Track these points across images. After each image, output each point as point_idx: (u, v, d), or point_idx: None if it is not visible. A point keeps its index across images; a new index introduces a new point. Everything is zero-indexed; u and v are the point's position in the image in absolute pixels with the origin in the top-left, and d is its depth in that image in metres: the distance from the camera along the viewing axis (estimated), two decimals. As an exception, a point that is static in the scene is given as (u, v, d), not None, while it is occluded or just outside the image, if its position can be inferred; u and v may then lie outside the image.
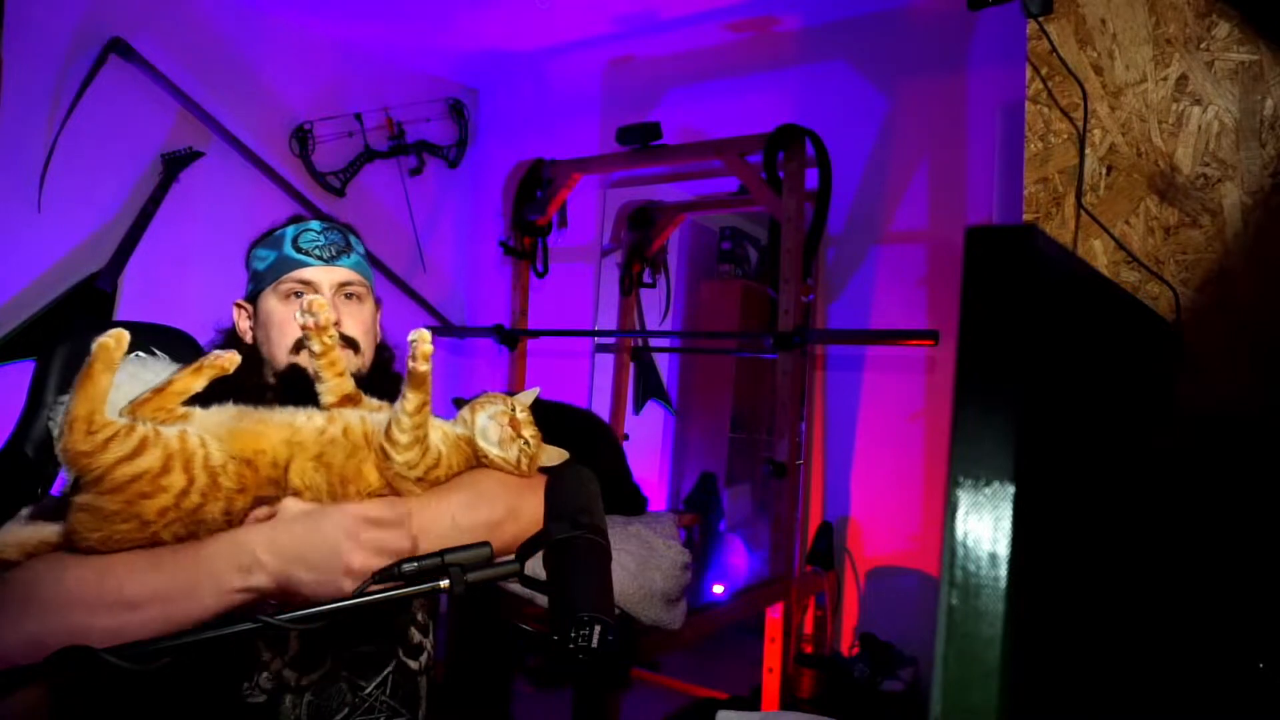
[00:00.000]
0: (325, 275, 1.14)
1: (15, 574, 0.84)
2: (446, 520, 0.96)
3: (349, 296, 1.17)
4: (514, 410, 1.03)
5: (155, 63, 2.65)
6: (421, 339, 0.93)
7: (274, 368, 1.14)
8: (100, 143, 2.58)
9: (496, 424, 1.01)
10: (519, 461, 1.01)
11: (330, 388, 0.99)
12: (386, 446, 0.93)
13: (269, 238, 1.19)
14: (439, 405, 1.26)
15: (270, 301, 1.15)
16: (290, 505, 0.89)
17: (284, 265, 1.14)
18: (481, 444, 1.01)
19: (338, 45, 3.23)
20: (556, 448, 1.06)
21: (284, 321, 1.13)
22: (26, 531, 0.85)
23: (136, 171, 2.67)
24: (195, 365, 0.90)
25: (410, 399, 0.93)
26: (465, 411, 1.04)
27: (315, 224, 1.19)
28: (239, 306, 1.22)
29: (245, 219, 2.88)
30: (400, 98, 3.36)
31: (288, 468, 0.90)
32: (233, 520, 0.87)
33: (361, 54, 3.31)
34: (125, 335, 0.84)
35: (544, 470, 1.05)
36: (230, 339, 1.22)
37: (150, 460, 0.81)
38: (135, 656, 0.64)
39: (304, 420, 0.94)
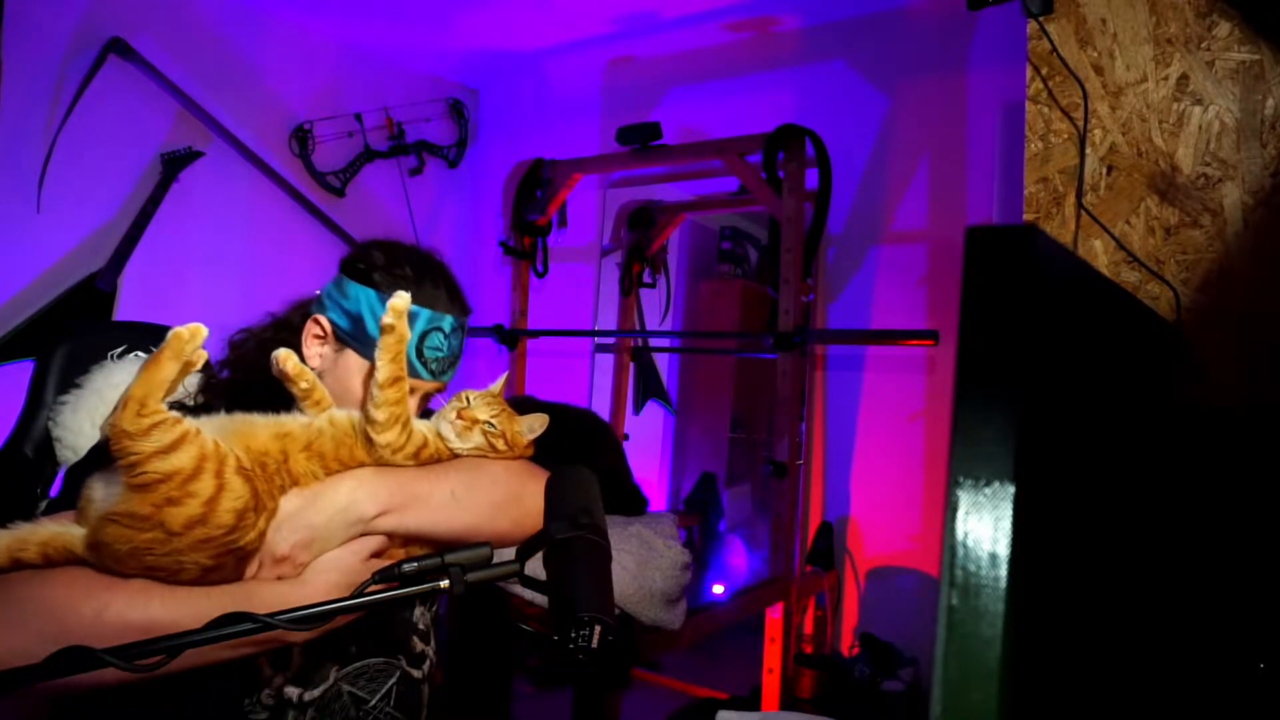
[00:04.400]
0: (425, 386, 1.05)
1: (42, 590, 0.81)
2: (445, 492, 0.95)
3: None
4: (466, 402, 1.02)
5: (155, 63, 2.65)
6: (397, 294, 0.92)
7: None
8: (100, 143, 2.58)
9: (448, 422, 1.00)
10: (491, 444, 1.01)
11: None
12: (368, 428, 0.92)
13: (394, 293, 0.95)
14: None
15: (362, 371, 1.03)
16: (285, 507, 0.88)
17: None
18: (453, 445, 1.00)
19: (338, 45, 3.23)
20: (534, 414, 1.05)
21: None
22: (44, 531, 0.84)
23: (136, 171, 2.67)
24: (169, 353, 0.81)
25: (382, 370, 0.91)
26: (434, 421, 1.03)
27: (448, 322, 1.03)
28: (317, 322, 1.05)
29: (245, 219, 2.89)
30: (400, 98, 3.36)
31: (287, 459, 0.90)
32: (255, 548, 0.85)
33: (361, 54, 3.31)
34: (202, 330, 0.83)
35: (543, 464, 1.04)
36: (285, 339, 1.04)
37: (184, 459, 0.80)
38: (134, 657, 0.63)
39: (289, 417, 0.94)
